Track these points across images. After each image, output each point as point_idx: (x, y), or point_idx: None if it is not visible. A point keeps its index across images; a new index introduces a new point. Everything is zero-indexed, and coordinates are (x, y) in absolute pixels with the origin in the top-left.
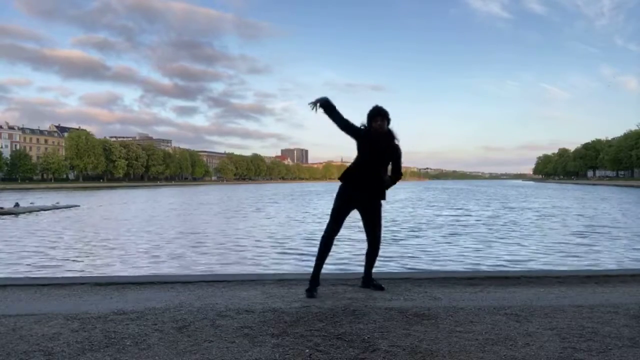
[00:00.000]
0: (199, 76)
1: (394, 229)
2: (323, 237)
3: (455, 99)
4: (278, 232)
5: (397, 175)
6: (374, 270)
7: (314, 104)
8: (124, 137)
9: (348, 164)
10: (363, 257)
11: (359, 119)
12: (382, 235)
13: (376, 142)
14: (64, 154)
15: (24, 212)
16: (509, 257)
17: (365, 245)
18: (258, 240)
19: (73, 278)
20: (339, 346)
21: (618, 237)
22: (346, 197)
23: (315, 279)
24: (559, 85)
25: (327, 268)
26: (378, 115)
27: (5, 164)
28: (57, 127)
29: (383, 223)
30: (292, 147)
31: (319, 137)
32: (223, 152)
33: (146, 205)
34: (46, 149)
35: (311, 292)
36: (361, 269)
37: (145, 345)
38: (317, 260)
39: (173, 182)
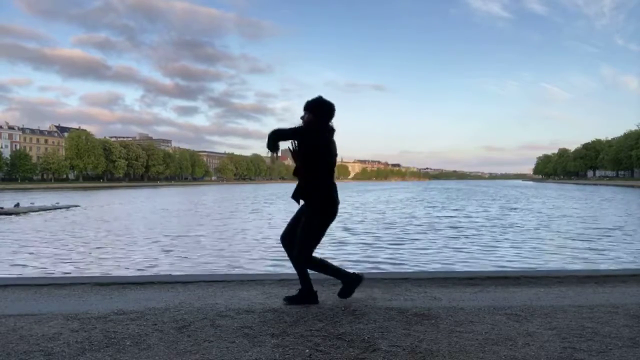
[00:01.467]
0: (200, 76)
1: (394, 230)
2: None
3: (456, 99)
4: (277, 232)
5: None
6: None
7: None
8: (124, 137)
9: (347, 164)
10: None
11: (359, 118)
12: (381, 235)
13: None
14: (64, 154)
15: (24, 212)
16: (510, 259)
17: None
18: (256, 241)
19: (73, 278)
20: (339, 346)
21: (620, 237)
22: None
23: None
24: (559, 85)
25: None
26: (304, 110)
27: (5, 164)
28: (57, 127)
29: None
30: None
31: None
32: (223, 152)
33: (145, 205)
34: (46, 149)
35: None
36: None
37: (145, 345)
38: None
39: (173, 182)
